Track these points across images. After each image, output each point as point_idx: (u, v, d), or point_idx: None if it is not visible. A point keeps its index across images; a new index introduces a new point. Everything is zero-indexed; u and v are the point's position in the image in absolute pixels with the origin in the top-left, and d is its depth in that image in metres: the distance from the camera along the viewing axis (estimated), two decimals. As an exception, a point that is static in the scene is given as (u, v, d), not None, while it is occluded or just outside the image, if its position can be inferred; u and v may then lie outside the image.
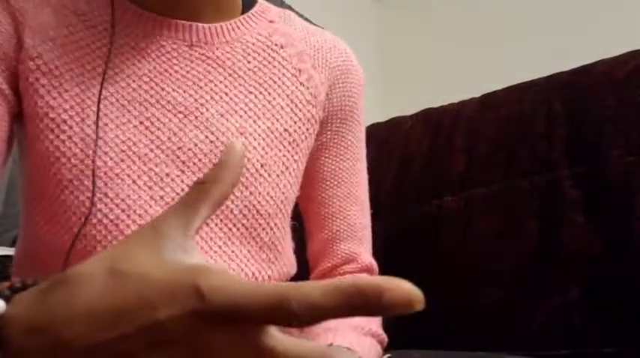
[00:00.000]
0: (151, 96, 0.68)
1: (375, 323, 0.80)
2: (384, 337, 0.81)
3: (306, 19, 2.44)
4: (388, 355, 0.75)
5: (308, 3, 2.51)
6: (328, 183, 0.83)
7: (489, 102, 1.21)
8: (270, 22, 0.79)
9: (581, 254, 0.99)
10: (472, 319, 1.07)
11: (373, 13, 3.06)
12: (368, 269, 0.85)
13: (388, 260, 0.99)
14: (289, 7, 2.41)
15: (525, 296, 1.03)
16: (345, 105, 0.82)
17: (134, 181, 0.66)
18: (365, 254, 0.85)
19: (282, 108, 0.75)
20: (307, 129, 0.77)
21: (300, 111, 0.77)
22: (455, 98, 1.31)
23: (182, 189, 0.67)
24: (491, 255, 1.08)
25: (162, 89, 0.69)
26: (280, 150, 0.74)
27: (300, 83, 0.77)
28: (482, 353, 0.78)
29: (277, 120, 0.74)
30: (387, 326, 0.82)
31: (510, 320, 1.03)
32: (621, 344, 0.94)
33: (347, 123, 0.83)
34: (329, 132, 0.82)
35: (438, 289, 1.11)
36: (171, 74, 0.70)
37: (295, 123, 0.76)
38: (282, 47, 0.78)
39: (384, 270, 0.86)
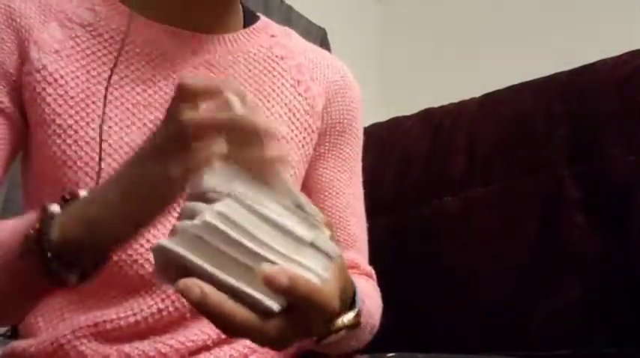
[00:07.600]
0: (155, 99, 0.71)
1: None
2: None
3: (307, 19, 2.44)
4: (392, 354, 0.75)
5: (308, 2, 2.50)
6: (327, 193, 0.85)
7: (489, 102, 1.21)
8: (272, 36, 0.82)
9: (581, 254, 0.99)
10: (472, 319, 1.07)
11: (374, 13, 3.06)
12: (368, 275, 0.86)
13: (388, 260, 0.99)
14: (289, 7, 2.40)
15: (525, 296, 1.02)
16: (343, 118, 0.84)
17: None
18: (364, 262, 0.88)
19: (280, 116, 0.78)
20: (304, 138, 0.80)
21: (298, 120, 0.79)
22: (455, 98, 1.31)
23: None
24: (491, 255, 1.07)
25: (166, 93, 0.71)
26: None
27: (299, 94, 0.80)
28: (484, 356, 0.78)
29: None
30: (388, 327, 0.83)
31: (510, 320, 1.03)
32: (621, 344, 0.93)
33: (345, 136, 0.85)
34: (327, 144, 0.84)
35: (438, 289, 1.11)
36: (174, 79, 0.72)
37: (292, 131, 0.79)
38: (282, 59, 0.81)
39: (383, 271, 0.87)
